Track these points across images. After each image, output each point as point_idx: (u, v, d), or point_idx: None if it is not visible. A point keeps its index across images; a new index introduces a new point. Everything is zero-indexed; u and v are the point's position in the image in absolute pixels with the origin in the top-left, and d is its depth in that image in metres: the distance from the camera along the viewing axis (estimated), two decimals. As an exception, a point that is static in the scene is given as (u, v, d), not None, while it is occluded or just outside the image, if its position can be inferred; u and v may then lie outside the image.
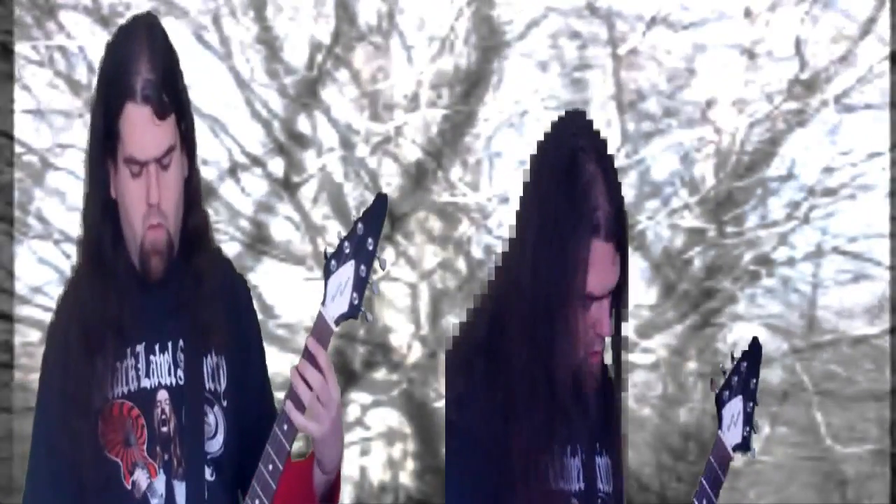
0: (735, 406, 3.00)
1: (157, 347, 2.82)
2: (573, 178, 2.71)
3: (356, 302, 2.68)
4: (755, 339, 3.09)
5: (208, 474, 2.78)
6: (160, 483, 2.77)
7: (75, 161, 9.06)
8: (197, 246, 2.84)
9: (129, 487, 2.78)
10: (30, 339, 9.43)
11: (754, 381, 3.03)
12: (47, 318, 9.77)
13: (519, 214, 2.80)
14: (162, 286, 2.84)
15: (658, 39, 9.18)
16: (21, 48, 8.87)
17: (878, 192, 9.39)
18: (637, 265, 9.70)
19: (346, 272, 2.67)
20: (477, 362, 2.73)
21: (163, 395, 2.80)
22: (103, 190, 2.83)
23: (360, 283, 2.67)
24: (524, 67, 9.87)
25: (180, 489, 2.77)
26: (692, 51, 9.52)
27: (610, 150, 2.82)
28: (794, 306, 10.17)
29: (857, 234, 9.68)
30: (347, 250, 2.67)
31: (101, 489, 2.76)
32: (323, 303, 2.71)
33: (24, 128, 9.14)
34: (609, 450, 2.86)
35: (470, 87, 9.49)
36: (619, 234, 2.73)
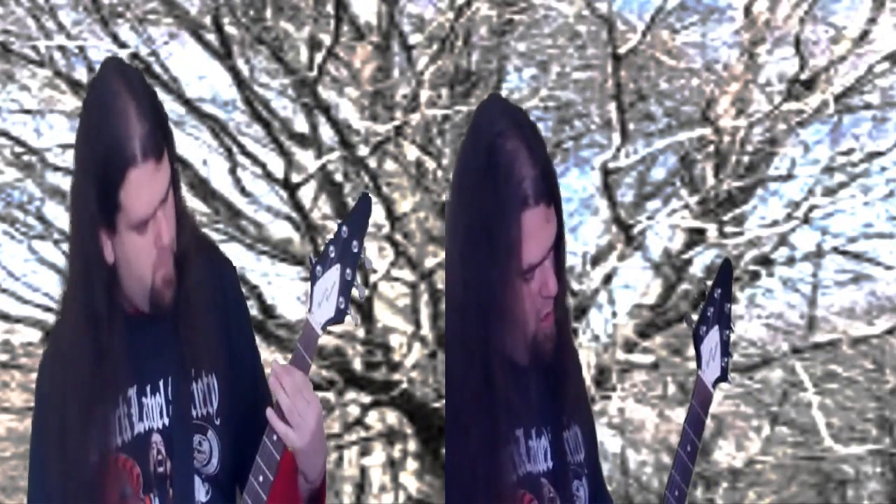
0: (712, 338, 2.87)
1: (148, 389, 2.76)
2: (495, 165, 2.65)
3: (342, 306, 2.63)
4: (726, 261, 2.95)
5: (203, 495, 2.75)
6: None
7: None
8: (190, 249, 2.78)
9: None
10: (30, 339, 9.45)
11: (728, 305, 2.89)
12: (47, 318, 9.68)
13: (447, 227, 2.73)
14: (151, 322, 2.75)
15: (658, 39, 9.18)
16: (21, 48, 8.88)
17: (878, 192, 9.40)
18: (637, 265, 9.70)
19: (332, 276, 2.63)
20: (449, 399, 2.70)
21: (157, 438, 2.75)
22: (95, 260, 2.75)
23: (346, 287, 2.63)
24: (524, 67, 9.88)
25: None
26: (692, 51, 9.53)
27: (531, 121, 2.73)
28: (795, 306, 10.16)
29: (857, 234, 9.68)
30: (332, 254, 2.63)
31: None
32: (309, 309, 2.65)
33: (24, 128, 9.15)
34: (578, 420, 2.80)
35: (470, 87, 9.49)
36: (548, 191, 2.65)
